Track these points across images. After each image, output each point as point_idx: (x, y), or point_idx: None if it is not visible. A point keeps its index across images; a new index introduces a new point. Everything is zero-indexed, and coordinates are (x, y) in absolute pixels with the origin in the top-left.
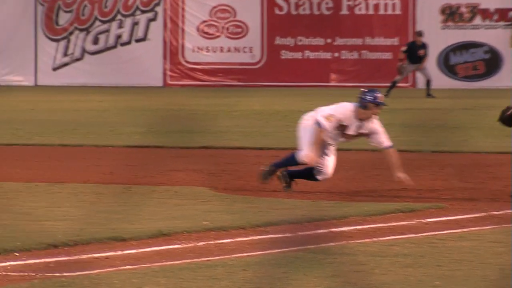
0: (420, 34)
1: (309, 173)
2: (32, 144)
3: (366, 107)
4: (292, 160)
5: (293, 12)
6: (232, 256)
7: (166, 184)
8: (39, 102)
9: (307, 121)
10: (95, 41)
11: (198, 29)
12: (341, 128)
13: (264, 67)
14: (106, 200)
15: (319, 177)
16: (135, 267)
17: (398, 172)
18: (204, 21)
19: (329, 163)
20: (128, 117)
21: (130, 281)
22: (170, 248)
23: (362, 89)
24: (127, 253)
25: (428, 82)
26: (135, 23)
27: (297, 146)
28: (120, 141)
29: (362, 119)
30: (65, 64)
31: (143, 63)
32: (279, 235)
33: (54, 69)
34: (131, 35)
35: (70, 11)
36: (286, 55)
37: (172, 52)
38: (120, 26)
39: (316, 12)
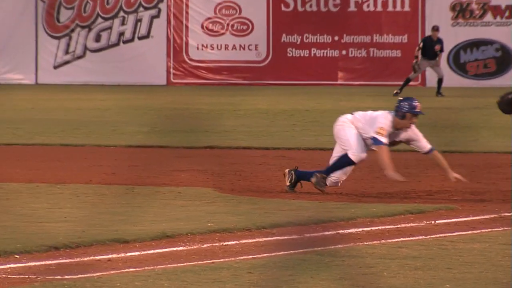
0: (436, 29)
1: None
2: (33, 144)
3: (404, 116)
4: (346, 162)
5: (300, 8)
6: (237, 258)
7: (169, 185)
8: (39, 101)
9: (346, 124)
10: (97, 38)
11: (202, 26)
12: None
13: (270, 65)
14: (108, 201)
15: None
16: (138, 269)
17: (452, 173)
18: (209, 18)
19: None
20: (130, 116)
21: (133, 284)
22: (174, 250)
23: (398, 98)
24: (130, 255)
25: (439, 81)
26: (138, 20)
27: (346, 147)
28: (123, 140)
29: (398, 128)
30: (67, 62)
31: (146, 61)
32: (285, 237)
33: (55, 67)
34: (134, 32)
35: (71, 8)
36: (292, 53)
37: (176, 50)
38: (123, 23)
39: (323, 9)
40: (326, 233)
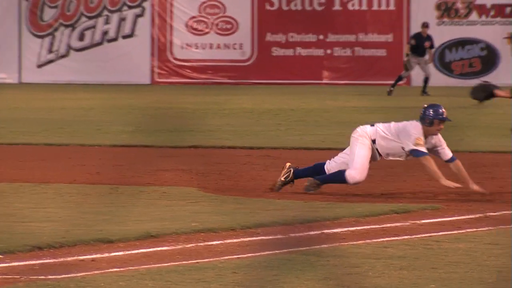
0: (426, 25)
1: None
2: (16, 143)
3: (432, 123)
4: (340, 181)
5: (285, 7)
6: (222, 258)
7: (154, 184)
8: (23, 100)
9: (363, 139)
10: (81, 37)
11: (186, 25)
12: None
13: (255, 64)
14: (92, 201)
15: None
16: (122, 269)
17: (473, 184)
18: (193, 17)
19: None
20: (115, 115)
21: (117, 284)
22: (158, 250)
23: (424, 104)
24: (114, 255)
25: (426, 79)
26: (122, 19)
27: (349, 163)
28: (107, 140)
29: (427, 136)
30: (50, 61)
31: (130, 60)
32: (270, 237)
33: (39, 66)
34: (118, 31)
35: (55, 7)
36: (277, 52)
37: (160, 49)
38: (107, 22)
39: (308, 8)
40: (311, 232)
